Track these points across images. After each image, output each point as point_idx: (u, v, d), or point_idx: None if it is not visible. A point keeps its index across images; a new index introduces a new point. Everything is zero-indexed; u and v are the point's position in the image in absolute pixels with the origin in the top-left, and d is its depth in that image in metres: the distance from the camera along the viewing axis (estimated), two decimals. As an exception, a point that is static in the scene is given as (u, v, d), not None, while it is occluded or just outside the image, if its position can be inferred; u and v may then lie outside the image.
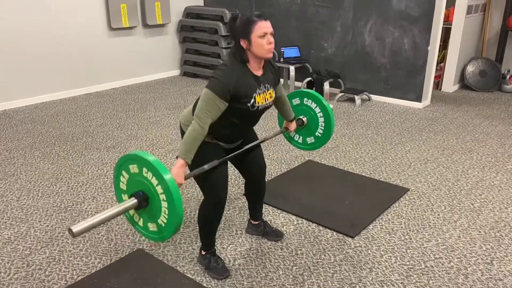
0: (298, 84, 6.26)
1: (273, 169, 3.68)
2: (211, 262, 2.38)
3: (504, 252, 2.59)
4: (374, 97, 5.79)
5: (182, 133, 2.20)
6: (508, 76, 6.14)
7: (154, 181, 1.75)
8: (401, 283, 2.33)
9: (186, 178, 2.02)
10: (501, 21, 6.32)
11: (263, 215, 2.79)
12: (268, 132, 4.56)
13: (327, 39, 6.03)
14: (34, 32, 5.31)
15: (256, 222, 2.71)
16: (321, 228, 2.83)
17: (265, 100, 2.17)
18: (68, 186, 3.39)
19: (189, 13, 6.86)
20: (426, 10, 5.12)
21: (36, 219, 2.93)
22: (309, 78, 5.94)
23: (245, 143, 2.38)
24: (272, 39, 2.06)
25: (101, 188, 3.35)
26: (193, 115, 2.08)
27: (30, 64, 5.37)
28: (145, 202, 1.81)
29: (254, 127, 2.42)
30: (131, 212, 1.90)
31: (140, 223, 1.91)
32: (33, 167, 3.71)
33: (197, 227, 2.77)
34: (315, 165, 3.79)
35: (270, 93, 2.20)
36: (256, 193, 2.59)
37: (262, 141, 2.47)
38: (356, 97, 5.55)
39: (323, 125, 2.66)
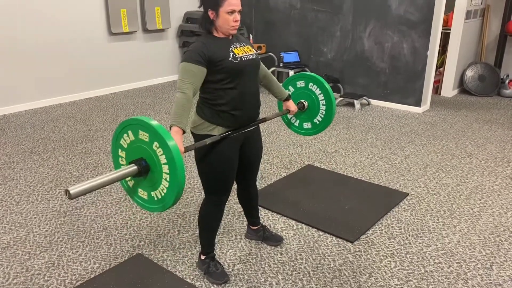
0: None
1: (272, 174, 3.68)
2: (211, 267, 2.38)
3: (504, 257, 2.59)
4: (373, 101, 5.80)
5: (196, 138, 2.19)
6: (507, 81, 6.16)
7: (156, 148, 1.68)
8: (401, 288, 2.33)
9: (186, 150, 1.96)
10: (500, 26, 6.35)
11: (262, 219, 2.79)
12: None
13: (327, 44, 6.05)
14: (34, 36, 5.33)
15: (256, 227, 2.71)
16: (320, 233, 2.83)
17: (245, 52, 2.15)
18: (67, 190, 3.38)
19: (189, 18, 6.88)
20: (425, 15, 5.14)
21: (36, 223, 2.93)
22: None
23: (256, 137, 2.36)
24: (238, 17, 2.07)
25: (101, 192, 3.35)
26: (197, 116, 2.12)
27: (30, 68, 5.38)
28: (145, 169, 1.74)
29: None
30: (130, 182, 1.84)
31: (139, 193, 1.84)
32: (32, 172, 3.71)
33: (197, 232, 2.78)
34: (315, 169, 3.79)
35: (248, 48, 2.19)
36: (249, 198, 2.58)
37: (264, 120, 2.38)
38: (356, 102, 5.56)
39: (323, 113, 2.60)
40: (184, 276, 2.41)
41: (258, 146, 2.41)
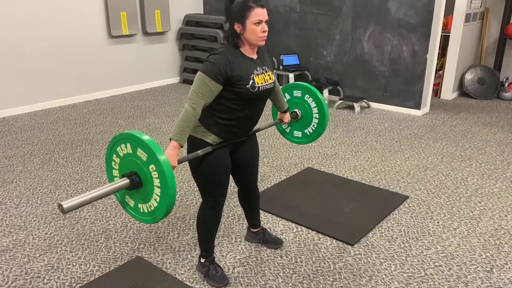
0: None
1: (272, 176, 3.68)
2: (210, 269, 2.37)
3: (504, 260, 2.58)
4: (373, 104, 5.80)
5: (192, 144, 2.17)
6: (506, 84, 6.17)
7: (148, 162, 1.70)
8: (401, 291, 2.32)
9: (179, 162, 1.98)
10: (499, 29, 6.36)
11: (262, 222, 2.78)
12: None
13: (326, 47, 6.06)
14: (33, 39, 5.34)
15: (256, 230, 2.71)
16: (320, 235, 2.82)
17: (265, 81, 2.13)
18: (67, 193, 3.39)
19: (189, 21, 6.90)
20: (425, 18, 5.15)
21: (35, 226, 2.93)
22: (309, 86, 5.95)
23: (248, 143, 2.35)
24: (266, 28, 2.06)
25: (100, 195, 3.34)
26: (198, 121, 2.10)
27: (29, 71, 5.39)
28: (137, 182, 1.76)
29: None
30: (123, 194, 1.86)
31: (132, 204, 1.86)
32: (32, 174, 3.71)
33: (196, 235, 2.77)
34: (315, 172, 3.78)
35: (269, 75, 2.17)
36: (249, 200, 2.57)
37: (257, 131, 2.41)
38: (355, 105, 5.57)
39: (315, 126, 2.64)
40: (184, 279, 2.40)
41: (251, 147, 2.39)
